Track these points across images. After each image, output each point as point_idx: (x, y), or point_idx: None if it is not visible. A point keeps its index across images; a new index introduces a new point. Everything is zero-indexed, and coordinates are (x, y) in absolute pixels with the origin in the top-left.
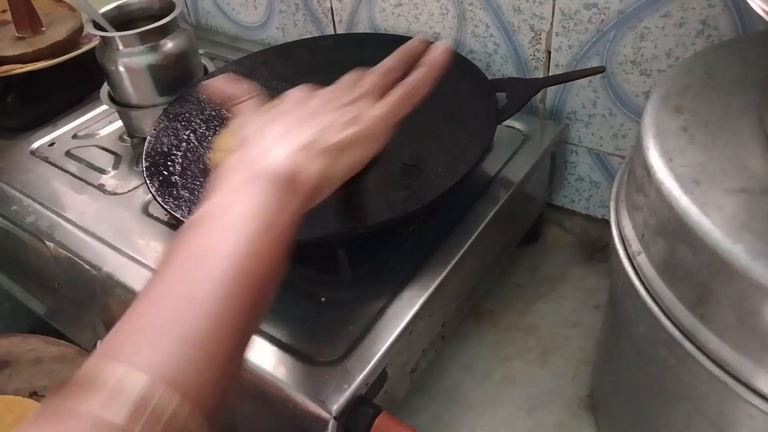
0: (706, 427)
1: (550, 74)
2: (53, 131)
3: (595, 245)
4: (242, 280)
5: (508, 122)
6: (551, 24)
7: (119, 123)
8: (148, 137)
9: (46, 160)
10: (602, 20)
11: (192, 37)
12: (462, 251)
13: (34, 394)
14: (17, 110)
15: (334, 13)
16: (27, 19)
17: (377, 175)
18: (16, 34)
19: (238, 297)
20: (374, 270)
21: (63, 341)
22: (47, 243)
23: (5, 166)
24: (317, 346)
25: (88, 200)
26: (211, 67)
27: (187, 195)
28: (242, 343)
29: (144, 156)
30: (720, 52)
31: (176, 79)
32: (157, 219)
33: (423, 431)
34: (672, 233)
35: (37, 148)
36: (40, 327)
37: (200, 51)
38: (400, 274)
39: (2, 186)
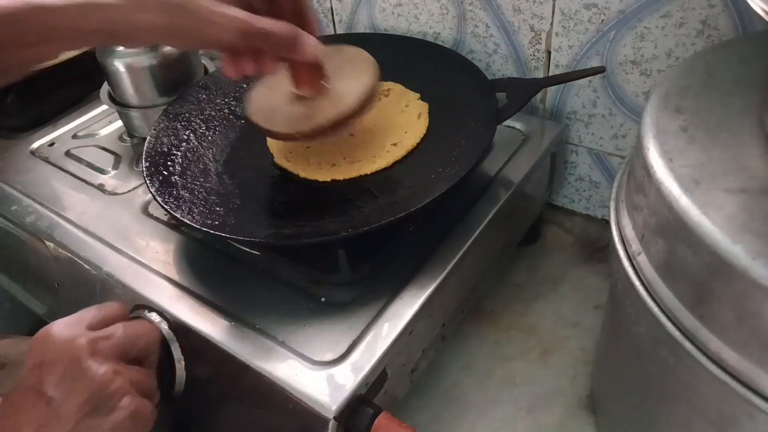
0: (706, 427)
1: (550, 74)
2: (53, 131)
3: (595, 245)
4: None
5: (508, 122)
6: (551, 24)
7: (119, 123)
8: (148, 137)
9: (46, 160)
10: (602, 20)
11: None
12: (462, 251)
13: None
14: (17, 110)
15: (334, 13)
16: None
17: (377, 175)
18: None
19: None
20: (374, 270)
21: None
22: (47, 243)
23: (5, 166)
24: (317, 346)
25: (88, 200)
26: (211, 67)
27: (187, 195)
28: None
29: (144, 156)
30: (720, 52)
31: (176, 79)
32: (157, 219)
33: (423, 431)
34: (672, 233)
35: (37, 148)
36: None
37: (200, 51)
38: (400, 274)
39: (2, 186)
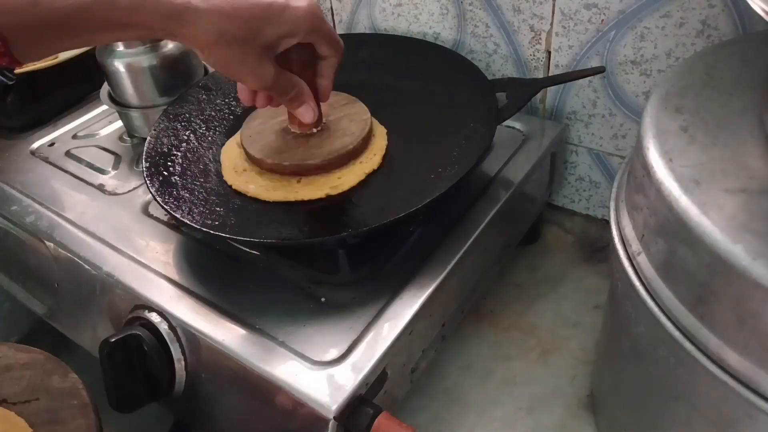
0: (706, 427)
1: (550, 74)
2: (53, 131)
3: (595, 245)
4: None
5: (508, 122)
6: (551, 24)
7: (119, 123)
8: (148, 137)
9: (46, 160)
10: (602, 20)
11: None
12: (462, 251)
13: (4, 402)
14: (17, 110)
15: (334, 13)
16: None
17: (377, 175)
18: None
19: None
20: (374, 270)
21: (33, 348)
22: (47, 243)
23: (5, 166)
24: (317, 346)
25: (88, 200)
26: (211, 68)
27: (187, 195)
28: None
29: (144, 156)
30: (720, 52)
31: (176, 80)
32: (157, 219)
33: (423, 431)
34: (672, 233)
35: (37, 148)
36: (40, 327)
37: None
38: (400, 274)
39: (2, 186)
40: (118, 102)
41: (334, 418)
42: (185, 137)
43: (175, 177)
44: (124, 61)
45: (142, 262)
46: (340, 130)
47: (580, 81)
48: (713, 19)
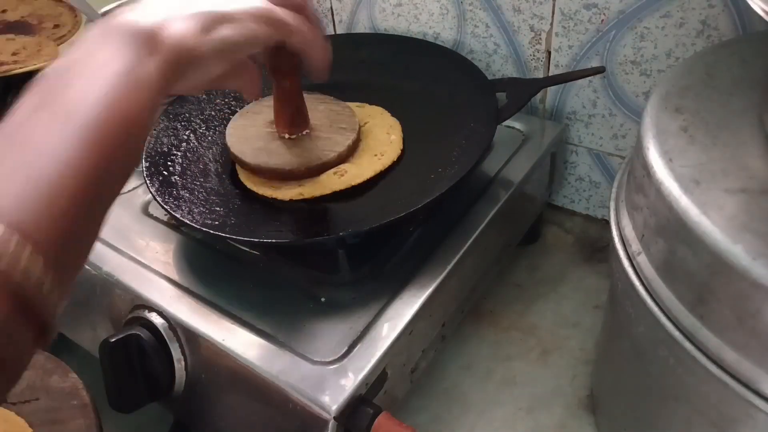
0: (706, 427)
1: (550, 74)
2: None
3: (595, 245)
4: (95, 127)
5: (508, 122)
6: (551, 24)
7: None
8: (148, 137)
9: None
10: (602, 20)
11: None
12: (462, 251)
13: (3, 401)
14: None
15: (334, 13)
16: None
17: (377, 175)
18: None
19: (89, 144)
20: (374, 270)
21: None
22: None
23: None
24: (317, 346)
25: None
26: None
27: (187, 195)
28: (98, 197)
29: (144, 156)
30: (720, 52)
31: None
32: (157, 219)
33: (423, 431)
34: (672, 233)
35: None
36: None
37: None
38: (400, 274)
39: None
40: None
41: (334, 418)
42: (185, 137)
43: (175, 177)
44: None
45: (142, 262)
46: (326, 137)
47: (580, 81)
48: (713, 19)
